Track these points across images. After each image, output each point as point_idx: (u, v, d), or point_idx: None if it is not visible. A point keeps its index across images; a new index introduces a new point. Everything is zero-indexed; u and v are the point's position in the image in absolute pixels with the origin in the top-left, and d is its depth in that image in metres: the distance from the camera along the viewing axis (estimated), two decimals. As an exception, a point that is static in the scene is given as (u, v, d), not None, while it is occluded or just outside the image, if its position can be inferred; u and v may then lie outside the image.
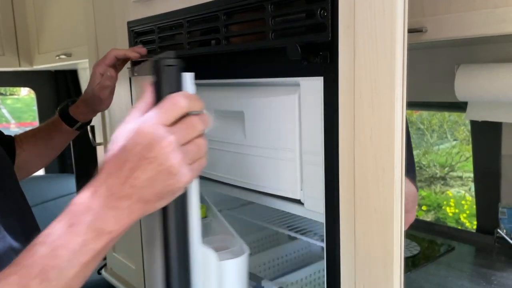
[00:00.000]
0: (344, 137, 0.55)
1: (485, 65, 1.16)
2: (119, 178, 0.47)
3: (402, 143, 0.48)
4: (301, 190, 0.76)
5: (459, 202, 3.95)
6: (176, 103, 0.50)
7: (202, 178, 1.00)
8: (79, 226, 0.46)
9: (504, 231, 1.31)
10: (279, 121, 0.77)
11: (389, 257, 0.49)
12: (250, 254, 1.15)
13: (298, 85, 0.72)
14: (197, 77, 0.91)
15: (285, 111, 0.75)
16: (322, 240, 0.93)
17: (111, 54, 0.96)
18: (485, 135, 1.39)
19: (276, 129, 0.78)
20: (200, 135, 0.51)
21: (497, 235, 1.32)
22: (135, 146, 0.47)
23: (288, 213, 1.11)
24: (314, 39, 0.63)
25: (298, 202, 0.78)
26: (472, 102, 1.26)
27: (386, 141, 0.48)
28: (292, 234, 0.97)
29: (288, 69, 0.71)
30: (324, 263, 1.05)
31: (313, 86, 0.68)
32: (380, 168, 0.49)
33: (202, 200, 1.09)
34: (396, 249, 0.49)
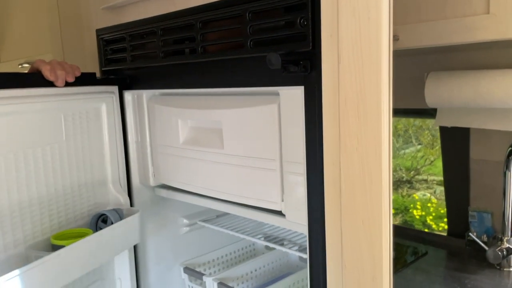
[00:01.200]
0: (329, 146, 0.54)
1: (454, 72, 1.19)
2: None
3: (389, 151, 0.47)
4: (282, 201, 0.74)
5: (425, 205, 4.05)
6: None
7: (179, 190, 0.97)
8: None
9: (475, 234, 1.34)
10: (258, 131, 0.75)
11: (378, 269, 0.48)
12: (227, 267, 1.13)
13: (277, 94, 0.71)
14: (171, 87, 0.89)
15: (264, 121, 0.73)
16: (301, 250, 0.92)
17: None
18: (454, 141, 1.42)
19: (255, 139, 0.76)
20: None
21: (468, 238, 1.35)
22: None
23: (265, 223, 1.10)
24: (294, 48, 0.62)
25: (279, 213, 0.77)
26: (442, 109, 1.28)
27: (374, 149, 0.47)
28: (271, 245, 0.95)
29: (267, 78, 0.70)
30: (303, 272, 1.04)
31: (293, 95, 0.67)
32: (367, 177, 0.48)
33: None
34: (385, 260, 0.48)
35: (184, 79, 0.84)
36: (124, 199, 0.99)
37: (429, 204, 4.15)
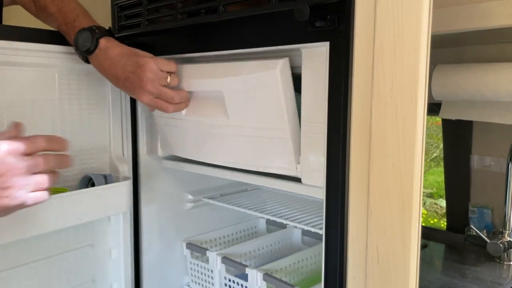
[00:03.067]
0: (359, 90, 0.54)
1: (460, 65, 1.20)
2: None
3: (425, 93, 0.47)
4: (298, 163, 0.73)
5: (416, 216, 4.06)
6: (35, 141, 0.58)
7: (187, 161, 0.96)
8: None
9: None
10: (263, 97, 0.74)
11: (407, 212, 0.48)
12: (228, 246, 1.11)
13: (280, 58, 0.70)
14: (187, 51, 0.88)
15: (266, 87, 0.72)
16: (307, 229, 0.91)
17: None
18: (456, 135, 1.43)
19: (261, 105, 0.75)
20: (48, 171, 0.58)
21: (468, 233, 1.35)
22: None
23: (269, 202, 1.09)
24: (323, 0, 0.62)
25: (294, 179, 0.76)
26: (447, 102, 1.29)
27: (409, 89, 0.47)
28: (279, 220, 0.94)
29: (290, 35, 0.69)
30: (307, 252, 1.03)
31: (316, 52, 0.66)
32: (401, 119, 0.48)
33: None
34: (415, 204, 0.47)
35: (201, 42, 0.83)
36: (122, 168, 0.97)
37: (419, 215, 4.15)
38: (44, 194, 0.59)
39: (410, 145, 0.48)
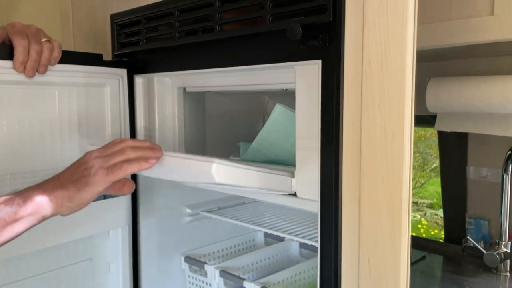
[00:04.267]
0: (350, 108, 0.55)
1: (455, 78, 1.22)
2: (56, 176, 0.69)
3: (412, 108, 0.48)
4: (293, 178, 0.75)
5: (416, 226, 4.06)
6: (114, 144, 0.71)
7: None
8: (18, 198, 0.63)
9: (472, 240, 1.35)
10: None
11: (397, 225, 0.49)
12: (227, 260, 1.12)
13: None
14: (184, 68, 0.90)
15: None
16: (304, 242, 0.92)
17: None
18: (452, 147, 1.45)
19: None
20: (122, 152, 0.69)
21: (465, 244, 1.36)
22: (75, 163, 0.70)
23: (267, 214, 1.10)
24: (315, 20, 0.64)
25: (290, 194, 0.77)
26: (442, 114, 1.31)
27: (396, 106, 0.49)
28: (277, 233, 0.95)
29: (283, 54, 0.71)
30: (304, 264, 1.03)
31: (309, 70, 0.68)
32: (389, 135, 0.50)
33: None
34: (404, 217, 0.49)
35: (198, 59, 0.86)
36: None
37: (419, 226, 4.17)
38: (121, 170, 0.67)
39: (398, 160, 0.49)
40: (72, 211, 0.67)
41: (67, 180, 0.67)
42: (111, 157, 0.68)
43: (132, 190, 0.73)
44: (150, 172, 0.70)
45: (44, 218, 0.65)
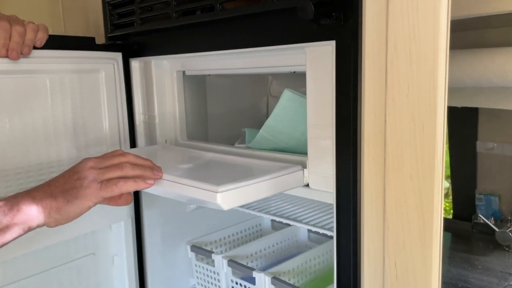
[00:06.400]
0: (371, 97, 0.50)
1: (466, 51, 1.16)
2: (47, 183, 0.64)
3: (445, 99, 0.43)
4: (305, 168, 0.70)
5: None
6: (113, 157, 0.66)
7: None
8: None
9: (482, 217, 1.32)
10: None
11: (428, 229, 0.45)
12: (234, 247, 1.09)
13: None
14: (182, 51, 0.84)
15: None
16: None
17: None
18: (461, 123, 1.40)
19: None
20: (120, 167, 0.64)
21: (475, 221, 1.33)
22: (69, 169, 0.65)
23: (273, 199, 1.06)
24: (328, -3, 0.58)
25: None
26: (452, 89, 1.25)
27: (427, 96, 0.43)
28: (286, 221, 0.91)
29: (293, 35, 0.65)
30: (314, 251, 1.00)
31: (321, 51, 0.63)
32: (419, 128, 0.45)
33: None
34: (436, 220, 0.44)
35: (198, 41, 0.79)
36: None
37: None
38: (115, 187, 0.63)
39: (429, 156, 0.45)
40: (58, 224, 0.63)
41: (58, 189, 0.62)
42: (107, 170, 0.64)
43: (129, 202, 0.69)
44: (149, 189, 0.66)
45: (30, 229, 0.61)
